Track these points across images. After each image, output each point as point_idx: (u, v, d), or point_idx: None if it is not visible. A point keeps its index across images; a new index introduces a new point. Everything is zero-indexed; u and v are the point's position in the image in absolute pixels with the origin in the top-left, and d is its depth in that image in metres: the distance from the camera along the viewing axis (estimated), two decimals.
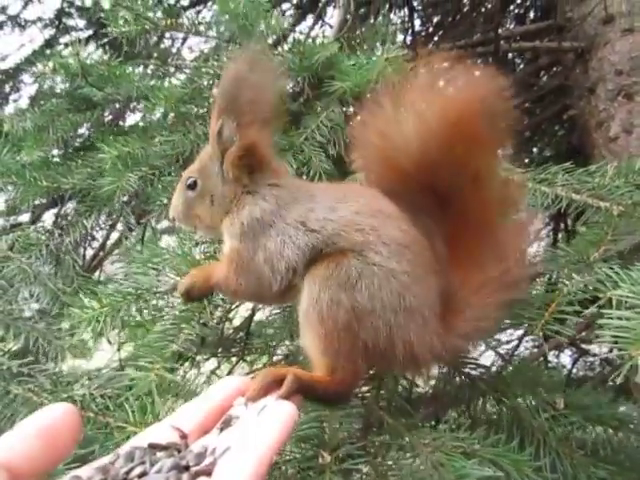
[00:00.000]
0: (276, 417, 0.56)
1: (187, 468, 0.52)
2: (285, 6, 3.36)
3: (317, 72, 1.54)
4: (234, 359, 2.13)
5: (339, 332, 0.82)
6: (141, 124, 2.36)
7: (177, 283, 1.07)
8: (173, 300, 1.06)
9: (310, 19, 3.09)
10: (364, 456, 0.83)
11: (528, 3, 3.55)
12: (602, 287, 0.84)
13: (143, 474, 0.52)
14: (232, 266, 0.90)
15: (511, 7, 3.51)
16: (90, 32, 3.65)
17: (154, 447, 0.57)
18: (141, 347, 0.96)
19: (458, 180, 0.92)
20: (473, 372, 1.03)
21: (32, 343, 1.20)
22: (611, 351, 2.85)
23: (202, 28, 1.75)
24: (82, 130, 1.92)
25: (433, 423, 0.98)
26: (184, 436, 0.61)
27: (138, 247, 1.61)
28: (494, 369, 1.10)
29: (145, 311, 1.06)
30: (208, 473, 0.51)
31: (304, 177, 1.34)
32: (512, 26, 3.45)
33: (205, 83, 1.66)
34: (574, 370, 2.96)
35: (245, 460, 0.49)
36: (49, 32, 3.82)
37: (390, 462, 0.82)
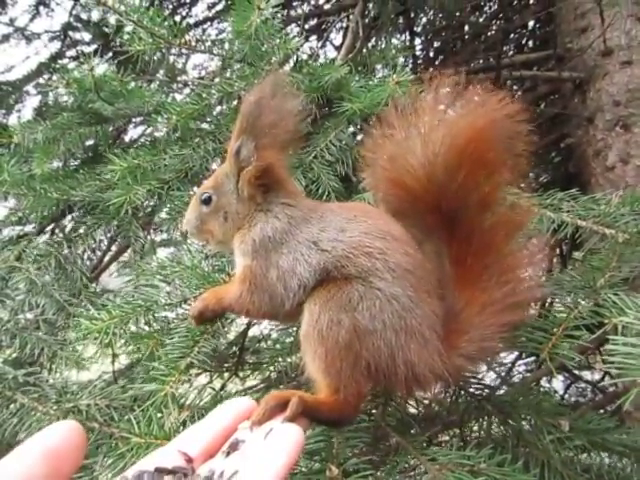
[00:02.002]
0: (283, 440, 0.57)
1: None
2: (289, 28, 3.43)
3: (326, 93, 1.57)
4: (226, 374, 2.12)
5: (340, 351, 0.83)
6: (142, 140, 2.40)
7: (186, 295, 1.08)
8: (183, 313, 1.07)
9: (314, 40, 3.16)
10: (370, 469, 0.83)
11: (527, 33, 3.64)
12: (608, 313, 0.85)
13: None
14: (245, 285, 0.91)
15: (511, 35, 3.59)
16: (95, 46, 3.69)
17: (161, 471, 0.58)
18: (154, 359, 0.96)
19: (464, 204, 0.95)
20: (478, 392, 1.04)
21: (37, 353, 1.19)
22: (603, 378, 2.87)
23: (210, 44, 1.79)
24: (89, 142, 1.94)
25: (425, 444, 0.98)
26: (190, 460, 0.62)
27: (137, 258, 1.62)
28: (498, 391, 1.11)
29: (154, 324, 1.06)
30: None
31: (313, 194, 1.36)
32: (511, 53, 3.53)
33: (213, 100, 1.69)
34: (566, 396, 2.97)
35: None
36: (55, 45, 3.86)
37: (397, 478, 0.83)
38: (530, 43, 3.63)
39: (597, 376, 3.04)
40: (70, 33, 3.86)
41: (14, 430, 0.98)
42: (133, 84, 1.72)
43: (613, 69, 2.56)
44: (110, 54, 3.37)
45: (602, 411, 1.94)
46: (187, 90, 2.26)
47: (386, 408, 0.99)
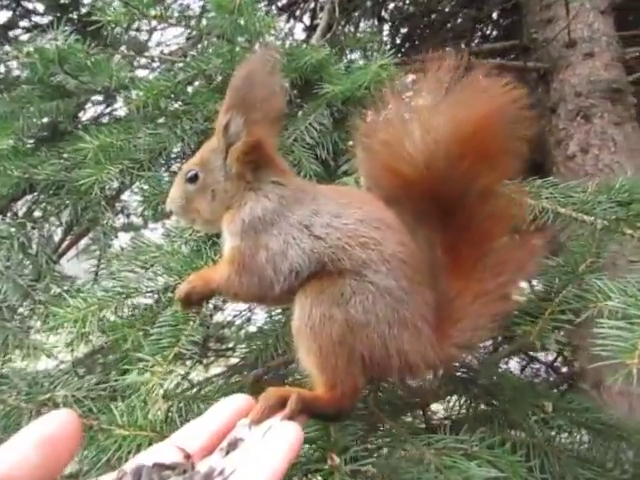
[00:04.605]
0: (282, 439, 0.55)
1: None
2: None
3: (305, 74, 1.53)
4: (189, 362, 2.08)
5: (334, 346, 0.81)
6: (105, 117, 2.29)
7: (168, 282, 1.04)
8: (164, 300, 1.02)
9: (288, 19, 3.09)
10: (368, 457, 0.83)
11: (494, 22, 3.69)
12: (593, 297, 0.88)
13: None
14: (233, 266, 0.87)
15: (477, 25, 3.63)
16: (50, 18, 3.47)
17: (159, 466, 0.56)
18: (138, 348, 0.92)
19: (465, 193, 0.93)
20: (464, 375, 1.06)
21: (2, 341, 1.12)
22: (557, 359, 3.01)
23: (185, 17, 1.71)
24: (49, 118, 1.83)
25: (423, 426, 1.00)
26: (188, 456, 0.60)
27: (104, 242, 1.55)
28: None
29: (135, 310, 1.02)
30: None
31: None
32: (478, 41, 3.58)
33: (185, 77, 1.62)
34: (522, 377, 3.10)
35: None
36: (6, 14, 3.61)
37: (395, 464, 0.83)
38: (496, 33, 3.68)
39: (550, 357, 3.18)
40: (22, 3, 3.62)
41: None
42: (99, 57, 1.62)
43: (576, 60, 2.63)
44: (66, 28, 3.18)
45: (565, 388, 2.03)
46: (155, 65, 2.16)
47: (377, 394, 0.99)
